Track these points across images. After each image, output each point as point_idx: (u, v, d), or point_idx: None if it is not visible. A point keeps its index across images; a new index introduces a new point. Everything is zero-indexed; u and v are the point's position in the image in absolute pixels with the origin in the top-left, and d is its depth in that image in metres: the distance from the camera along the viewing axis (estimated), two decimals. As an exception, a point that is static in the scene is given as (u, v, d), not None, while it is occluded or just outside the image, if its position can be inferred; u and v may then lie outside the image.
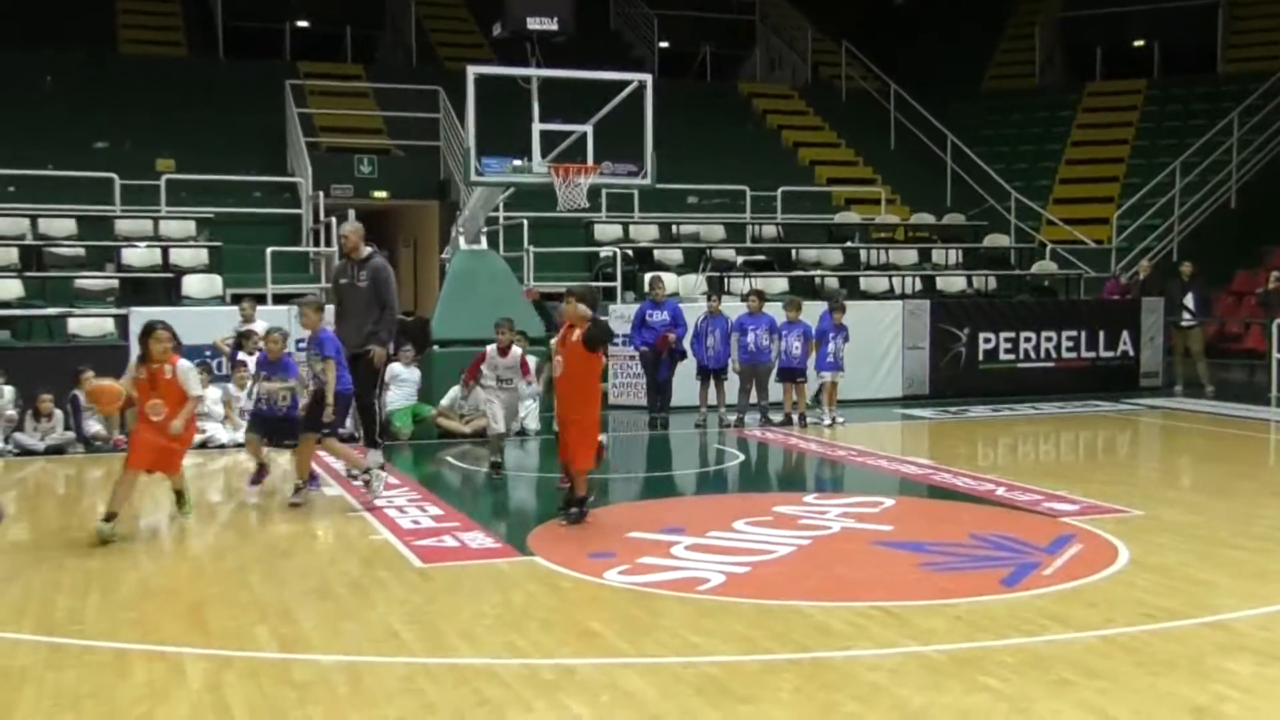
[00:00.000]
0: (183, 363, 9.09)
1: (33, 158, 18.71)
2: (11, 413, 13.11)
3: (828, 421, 15.16)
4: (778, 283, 19.32)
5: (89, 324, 15.38)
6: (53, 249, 16.93)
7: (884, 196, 23.56)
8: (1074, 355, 18.52)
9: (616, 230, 20.44)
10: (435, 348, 15.13)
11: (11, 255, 16.75)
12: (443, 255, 17.56)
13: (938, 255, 21.64)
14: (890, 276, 20.44)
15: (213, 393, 13.57)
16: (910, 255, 21.48)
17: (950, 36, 28.67)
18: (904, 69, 26.61)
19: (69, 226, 17.77)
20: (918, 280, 20.54)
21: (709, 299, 16.00)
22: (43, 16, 22.69)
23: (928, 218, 22.77)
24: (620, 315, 16.83)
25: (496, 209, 17.41)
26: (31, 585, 7.51)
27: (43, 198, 18.36)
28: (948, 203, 23.94)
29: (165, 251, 17.31)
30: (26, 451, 12.88)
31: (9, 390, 13.14)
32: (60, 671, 5.85)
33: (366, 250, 10.78)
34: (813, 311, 15.85)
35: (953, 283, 20.71)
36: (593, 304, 9.59)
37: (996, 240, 22.32)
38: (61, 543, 8.67)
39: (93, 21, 23.75)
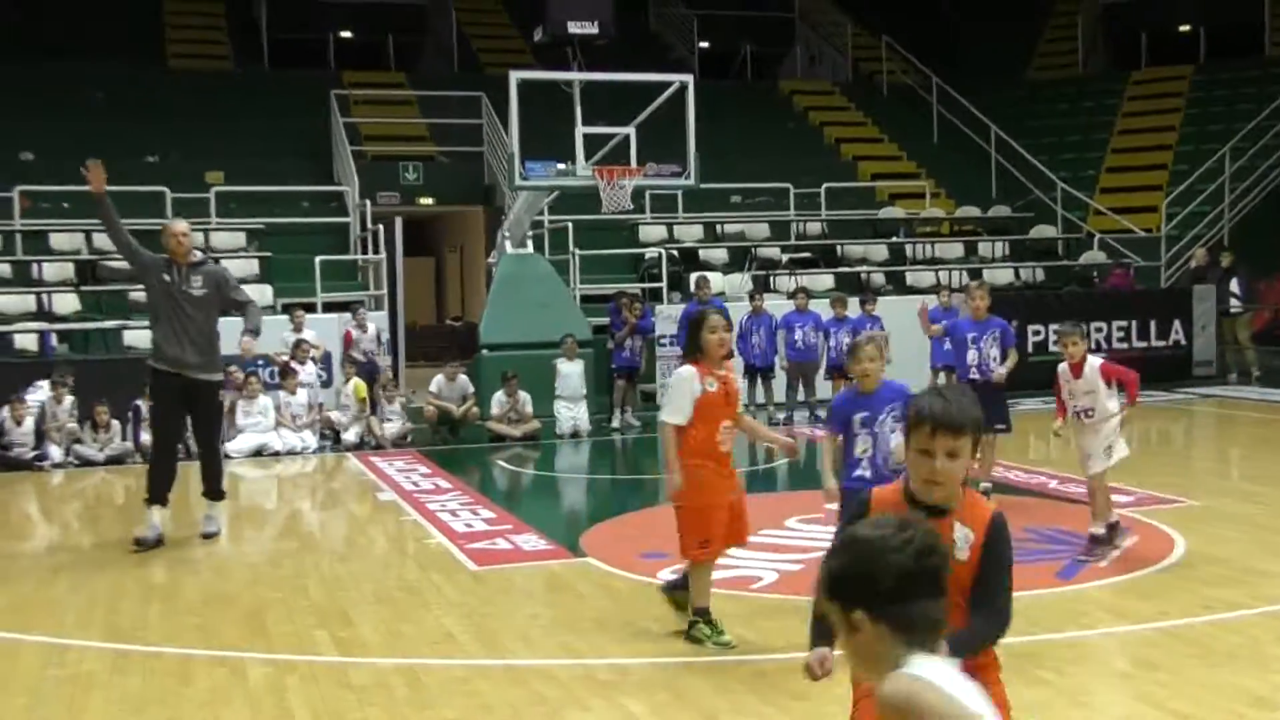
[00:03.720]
0: None
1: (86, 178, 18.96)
2: (72, 424, 13.34)
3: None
4: (823, 280, 19.29)
5: (144, 336, 15.61)
6: (107, 262, 17.19)
7: (928, 190, 23.44)
8: (1125, 345, 18.35)
9: (661, 231, 20.48)
10: (483, 352, 15.25)
11: (67, 270, 17.04)
12: (489, 260, 17.67)
13: (984, 248, 21.50)
14: (936, 270, 20.34)
15: (265, 401, 13.74)
16: (956, 249, 21.37)
17: (991, 27, 28.45)
18: (945, 61, 26.45)
19: (122, 240, 18.01)
20: (964, 274, 20.42)
21: (753, 298, 16.01)
22: (92, 33, 23.04)
23: (973, 211, 22.61)
24: (667, 316, 16.87)
25: (541, 213, 17.50)
26: (97, 593, 7.65)
27: (96, 212, 18.61)
28: (993, 195, 23.78)
29: (216, 263, 17.48)
30: (87, 462, 13.10)
31: (69, 400, 13.37)
32: (127, 677, 5.97)
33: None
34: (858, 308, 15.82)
35: (1000, 275, 20.56)
36: None
37: (1043, 231, 22.14)
38: (123, 552, 8.81)
39: (141, 37, 24.09)
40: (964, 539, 3.21)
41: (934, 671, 2.19)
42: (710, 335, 6.22)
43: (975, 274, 20.40)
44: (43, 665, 6.19)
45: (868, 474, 6.25)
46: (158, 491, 8.90)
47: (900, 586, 2.22)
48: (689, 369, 6.27)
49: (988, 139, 24.41)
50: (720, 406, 6.22)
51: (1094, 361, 7.78)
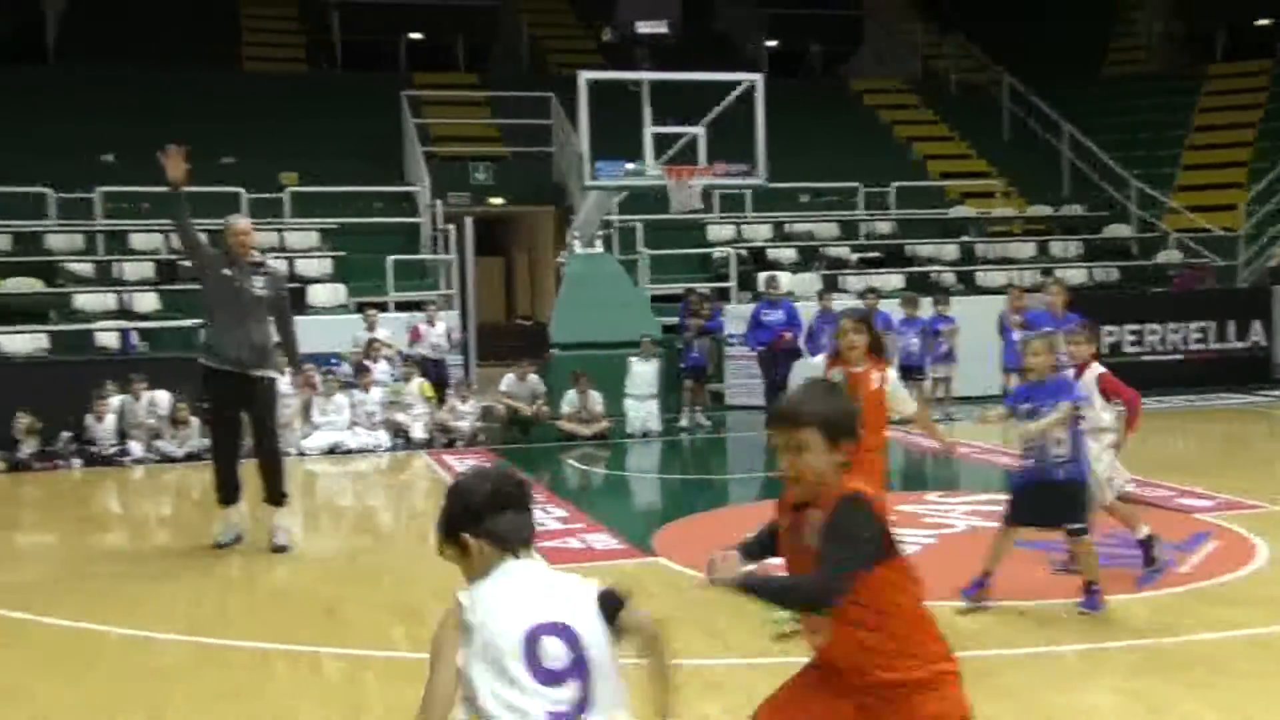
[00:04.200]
0: None
1: (163, 175, 19.32)
2: (152, 421, 13.60)
3: (937, 416, 15.03)
4: (893, 279, 19.16)
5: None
6: (185, 263, 17.49)
7: (999, 189, 23.20)
8: (1202, 347, 18.04)
9: (729, 230, 20.45)
10: (553, 351, 15.33)
11: (147, 270, 17.38)
12: (558, 260, 17.76)
13: (1056, 247, 21.24)
14: (1008, 270, 20.11)
15: (340, 399, 13.92)
16: (1027, 248, 21.13)
17: (1063, 23, 28.06)
18: (1016, 58, 26.13)
19: (199, 240, 18.33)
20: (1036, 273, 20.17)
21: (821, 297, 15.94)
22: (171, 38, 23.47)
23: (1045, 209, 22.34)
24: (735, 315, 16.85)
25: (610, 212, 17.56)
26: (179, 588, 7.80)
27: (169, 206, 18.95)
28: (1065, 194, 23.47)
29: (291, 262, 17.78)
30: (166, 458, 13.35)
31: (160, 396, 13.62)
32: (206, 670, 6.08)
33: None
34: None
35: (1073, 275, 20.28)
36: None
37: (1117, 231, 21.82)
38: (202, 547, 8.96)
39: (218, 42, 24.51)
40: (814, 528, 3.13)
41: (512, 572, 2.85)
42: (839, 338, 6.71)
43: (1047, 274, 20.15)
44: (126, 656, 6.32)
45: (1029, 462, 6.73)
46: (228, 492, 8.78)
47: (484, 510, 2.85)
48: (822, 360, 6.80)
49: (1060, 136, 24.10)
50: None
51: (1096, 370, 7.39)
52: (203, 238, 9.18)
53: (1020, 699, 5.32)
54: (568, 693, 2.75)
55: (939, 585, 7.16)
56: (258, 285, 8.64)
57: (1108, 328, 17.55)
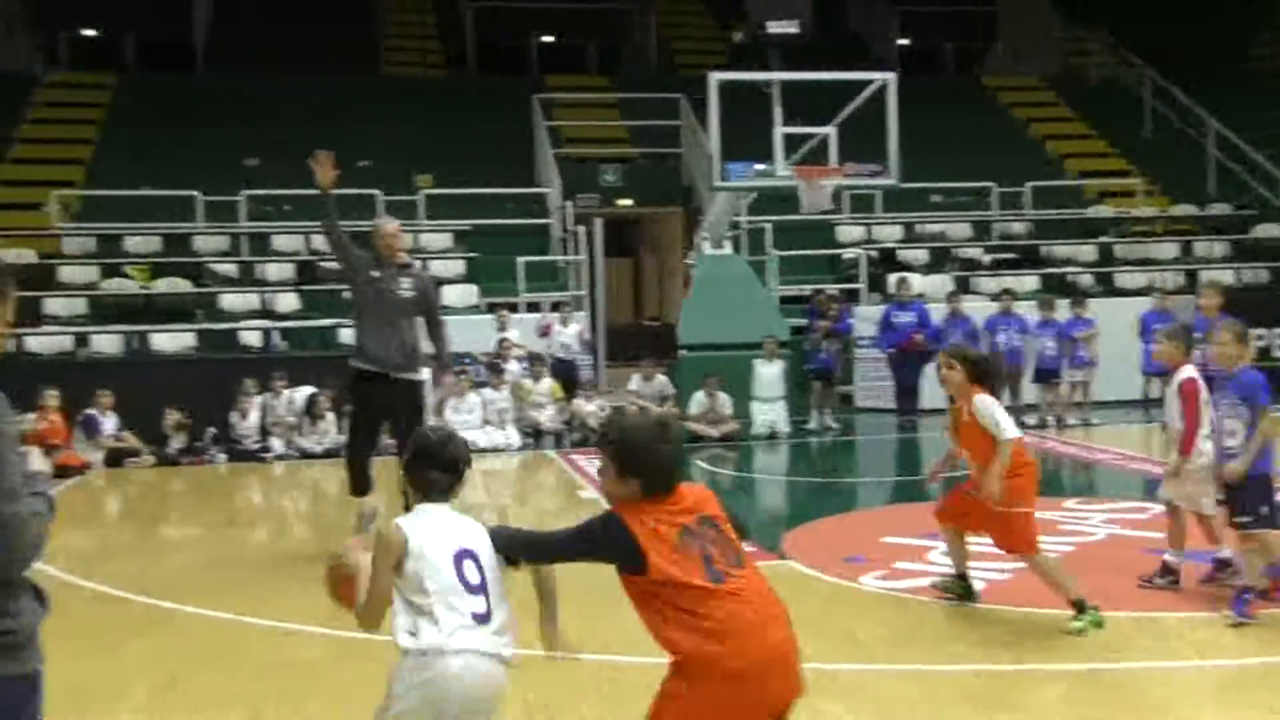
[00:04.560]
0: None
1: (305, 177, 19.87)
2: (291, 418, 14.00)
3: (1072, 421, 14.69)
4: (1027, 281, 18.76)
5: (357, 334, 16.28)
6: (323, 263, 17.98)
7: (1140, 188, 22.54)
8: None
9: (859, 231, 20.25)
10: (682, 352, 15.35)
11: (288, 270, 17.88)
12: (687, 261, 17.79)
13: (1200, 248, 20.56)
14: (1149, 272, 19.54)
15: (473, 399, 14.15)
16: (1170, 249, 20.49)
17: (1209, 16, 27.14)
18: (1159, 52, 25.36)
19: (337, 242, 18.82)
20: (1180, 275, 19.57)
21: (953, 299, 15.70)
22: (313, 45, 24.13)
23: (1189, 209, 21.64)
24: (865, 317, 16.68)
25: (739, 213, 17.52)
26: (316, 581, 7.98)
27: (314, 215, 19.48)
28: (1211, 192, 22.70)
29: (425, 264, 18.10)
30: (306, 454, 13.72)
31: (299, 394, 14.02)
32: (347, 663, 6.22)
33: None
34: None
35: (1218, 277, 19.61)
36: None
37: (1267, 230, 21.02)
38: (339, 541, 9.15)
39: (358, 47, 25.14)
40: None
41: (429, 511, 3.79)
42: None
43: (1191, 276, 19.54)
44: (269, 649, 6.51)
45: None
46: (360, 484, 8.81)
47: (422, 462, 3.84)
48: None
49: (1205, 133, 23.33)
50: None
51: (1184, 374, 6.98)
52: (350, 242, 9.27)
53: (1167, 714, 5.16)
54: (481, 603, 3.68)
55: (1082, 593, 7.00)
56: (404, 287, 8.67)
57: (1257, 331, 16.89)
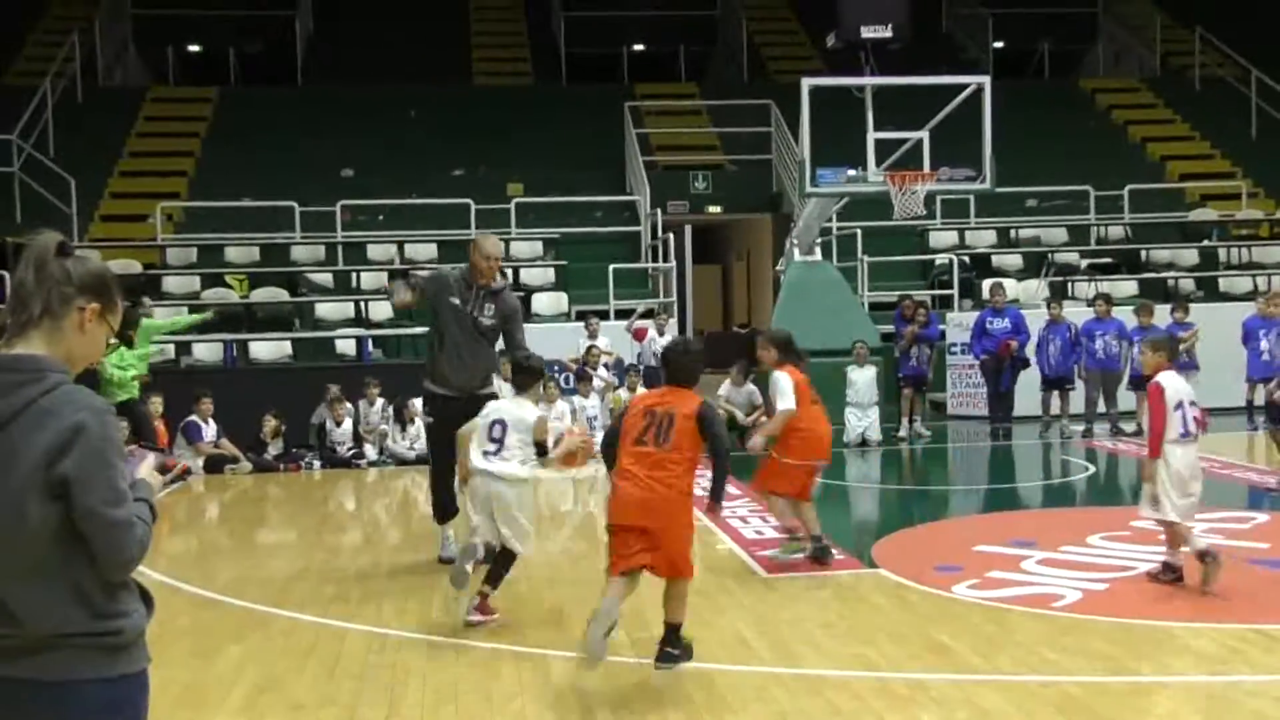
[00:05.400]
0: None
1: (399, 187, 20.24)
2: (384, 426, 14.20)
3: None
4: (1126, 286, 18.39)
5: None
6: (417, 272, 18.21)
7: (1245, 190, 21.99)
8: None
9: (952, 237, 20.03)
10: (772, 359, 15.27)
11: (382, 279, 18.16)
12: (777, 267, 17.73)
13: (1309, 251, 20.00)
14: (1254, 276, 19.05)
15: (561, 406, 14.23)
16: (1276, 253, 19.95)
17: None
18: (1265, 51, 24.71)
19: (430, 250, 19.12)
20: (1287, 279, 19.05)
21: (1049, 305, 15.44)
22: (406, 56, 24.51)
23: (1298, 211, 21.07)
24: (958, 324, 16.49)
25: (829, 219, 17.43)
26: (410, 586, 8.12)
27: (408, 224, 19.83)
28: (1320, 194, 22.09)
29: (516, 271, 18.30)
30: (399, 460, 13.92)
31: (380, 403, 14.24)
32: (440, 667, 6.31)
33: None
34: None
35: (1327, 280, 19.08)
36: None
37: (1379, 233, 20.39)
38: (431, 548, 9.29)
39: (450, 58, 25.47)
40: None
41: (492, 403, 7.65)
42: None
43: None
44: (366, 652, 6.61)
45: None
46: (443, 512, 8.69)
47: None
48: None
49: (1313, 134, 22.70)
50: None
51: (1159, 380, 7.22)
52: (425, 273, 9.05)
53: (1268, 730, 5.04)
54: (494, 446, 7.03)
55: (1180, 606, 6.86)
56: (487, 314, 8.37)
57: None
